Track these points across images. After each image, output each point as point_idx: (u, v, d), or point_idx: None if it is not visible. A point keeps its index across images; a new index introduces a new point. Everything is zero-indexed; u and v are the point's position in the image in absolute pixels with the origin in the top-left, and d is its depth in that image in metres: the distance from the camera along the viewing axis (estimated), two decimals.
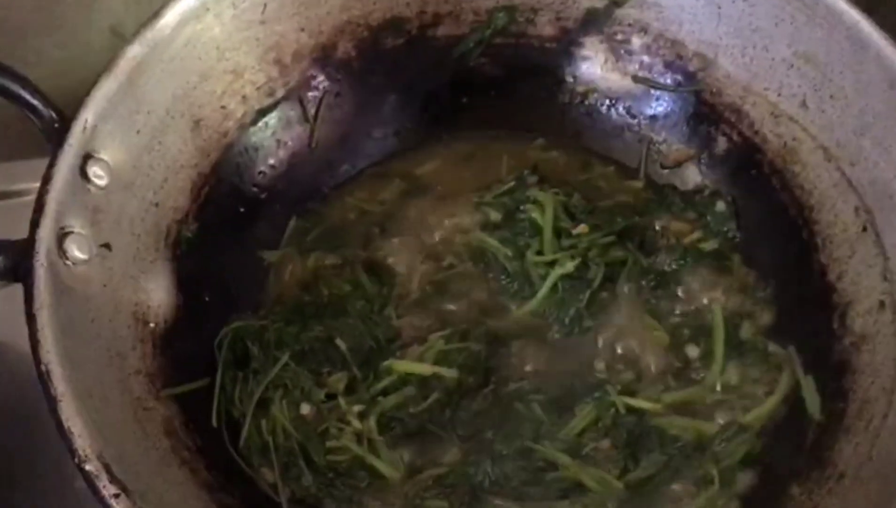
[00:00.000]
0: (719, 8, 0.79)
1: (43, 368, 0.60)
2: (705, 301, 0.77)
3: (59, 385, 0.59)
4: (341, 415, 0.73)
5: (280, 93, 0.85)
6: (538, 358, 0.76)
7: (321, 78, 0.87)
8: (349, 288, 0.80)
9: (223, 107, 0.81)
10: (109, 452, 0.58)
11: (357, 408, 0.73)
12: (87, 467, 0.57)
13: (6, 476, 0.82)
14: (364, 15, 0.85)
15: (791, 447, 0.69)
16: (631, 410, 0.72)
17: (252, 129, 0.84)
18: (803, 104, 0.76)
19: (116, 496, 0.56)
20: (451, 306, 0.79)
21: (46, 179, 0.67)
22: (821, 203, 0.75)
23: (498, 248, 0.80)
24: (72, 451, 0.58)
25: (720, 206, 0.82)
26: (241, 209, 0.84)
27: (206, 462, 0.69)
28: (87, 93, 0.70)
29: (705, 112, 0.84)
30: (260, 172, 0.86)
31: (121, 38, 1.06)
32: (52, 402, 0.59)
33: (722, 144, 0.83)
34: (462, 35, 0.88)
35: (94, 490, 0.57)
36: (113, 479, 0.57)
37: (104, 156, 0.70)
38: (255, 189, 0.85)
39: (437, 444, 0.72)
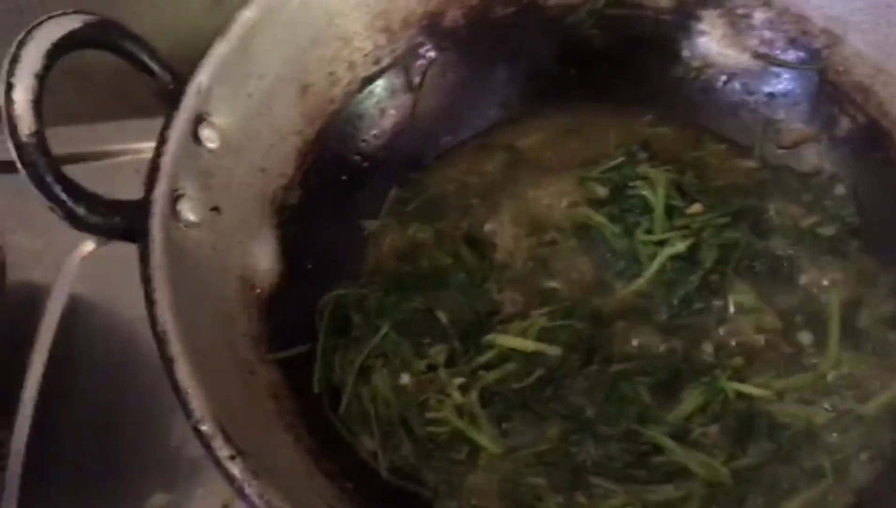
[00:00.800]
0: None
1: (160, 328, 0.60)
2: (821, 287, 0.75)
3: (175, 347, 0.60)
4: (441, 387, 0.73)
5: (386, 61, 0.85)
6: (643, 339, 0.74)
7: (428, 46, 0.86)
8: (449, 260, 0.80)
9: (331, 73, 0.81)
10: (222, 414, 0.58)
11: (458, 381, 0.72)
12: (203, 428, 0.57)
13: (103, 431, 0.84)
14: None
15: None
16: (740, 396, 0.70)
17: (358, 96, 0.84)
18: None
19: (232, 458, 0.56)
20: (554, 283, 0.78)
21: (162, 141, 0.67)
22: None
23: (604, 224, 0.79)
24: (187, 412, 0.58)
25: (839, 189, 0.79)
26: (344, 177, 0.84)
27: (308, 427, 0.69)
28: (202, 55, 0.70)
29: (829, 91, 0.81)
30: (363, 141, 0.85)
31: (218, 2, 1.07)
32: (168, 363, 0.59)
33: (845, 124, 0.80)
34: (575, 4, 0.86)
35: (210, 451, 0.57)
36: (228, 440, 0.57)
37: (216, 119, 0.71)
38: (357, 158, 0.85)
39: (539, 421, 0.71)
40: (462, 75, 0.87)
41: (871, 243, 0.77)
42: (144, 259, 0.63)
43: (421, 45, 0.86)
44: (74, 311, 0.90)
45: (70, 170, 0.98)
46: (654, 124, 0.86)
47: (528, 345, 0.73)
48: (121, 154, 1.01)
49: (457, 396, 0.72)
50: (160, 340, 0.60)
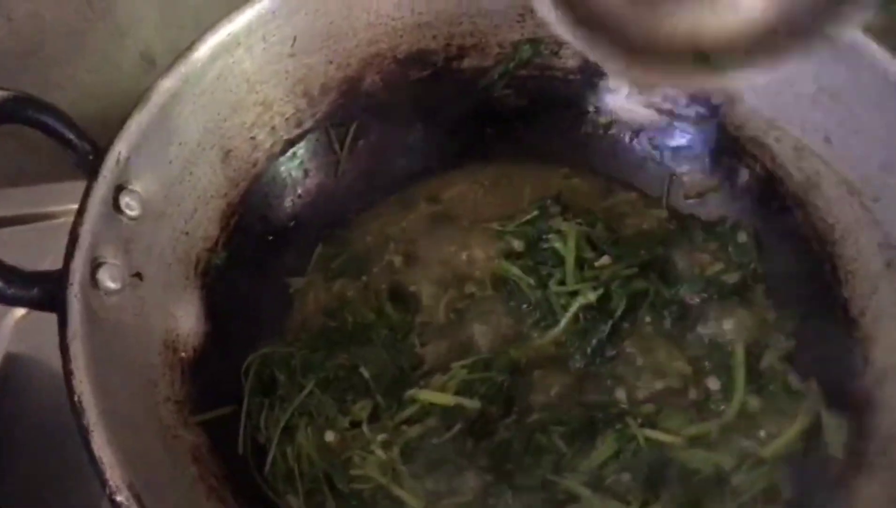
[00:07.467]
0: None
1: (76, 398, 0.61)
2: (727, 333, 0.77)
3: (92, 416, 0.60)
4: (365, 444, 0.74)
5: (308, 124, 0.86)
6: (560, 388, 0.76)
7: (349, 109, 0.87)
8: (373, 316, 0.81)
9: (253, 138, 0.83)
10: (139, 482, 0.59)
11: (381, 437, 0.74)
12: (118, 498, 0.58)
13: (41, 486, 0.83)
14: (391, 48, 0.85)
15: (813, 482, 0.69)
16: (652, 442, 0.72)
17: (281, 159, 0.86)
18: (827, 139, 0.75)
19: None
20: (474, 335, 0.80)
21: (80, 212, 0.68)
22: (843, 238, 0.75)
23: (520, 277, 0.81)
24: (102, 482, 0.58)
25: (742, 237, 0.82)
26: (269, 237, 0.85)
27: (232, 489, 0.70)
28: (121, 125, 0.71)
29: (728, 145, 0.84)
30: (288, 201, 0.87)
31: (151, 64, 1.08)
32: (83, 432, 0.60)
33: (744, 176, 0.83)
34: (487, 67, 0.88)
35: None
36: None
37: (136, 187, 0.71)
38: (282, 217, 0.87)
39: (459, 474, 0.73)
40: (383, 135, 0.90)
41: (773, 288, 0.80)
42: (62, 329, 0.64)
43: (342, 107, 0.87)
44: (11, 369, 0.90)
45: (12, 232, 0.99)
46: (568, 177, 0.89)
47: (449, 399, 0.75)
48: (64, 215, 1.01)
49: (380, 452, 0.73)
50: (76, 410, 0.60)
